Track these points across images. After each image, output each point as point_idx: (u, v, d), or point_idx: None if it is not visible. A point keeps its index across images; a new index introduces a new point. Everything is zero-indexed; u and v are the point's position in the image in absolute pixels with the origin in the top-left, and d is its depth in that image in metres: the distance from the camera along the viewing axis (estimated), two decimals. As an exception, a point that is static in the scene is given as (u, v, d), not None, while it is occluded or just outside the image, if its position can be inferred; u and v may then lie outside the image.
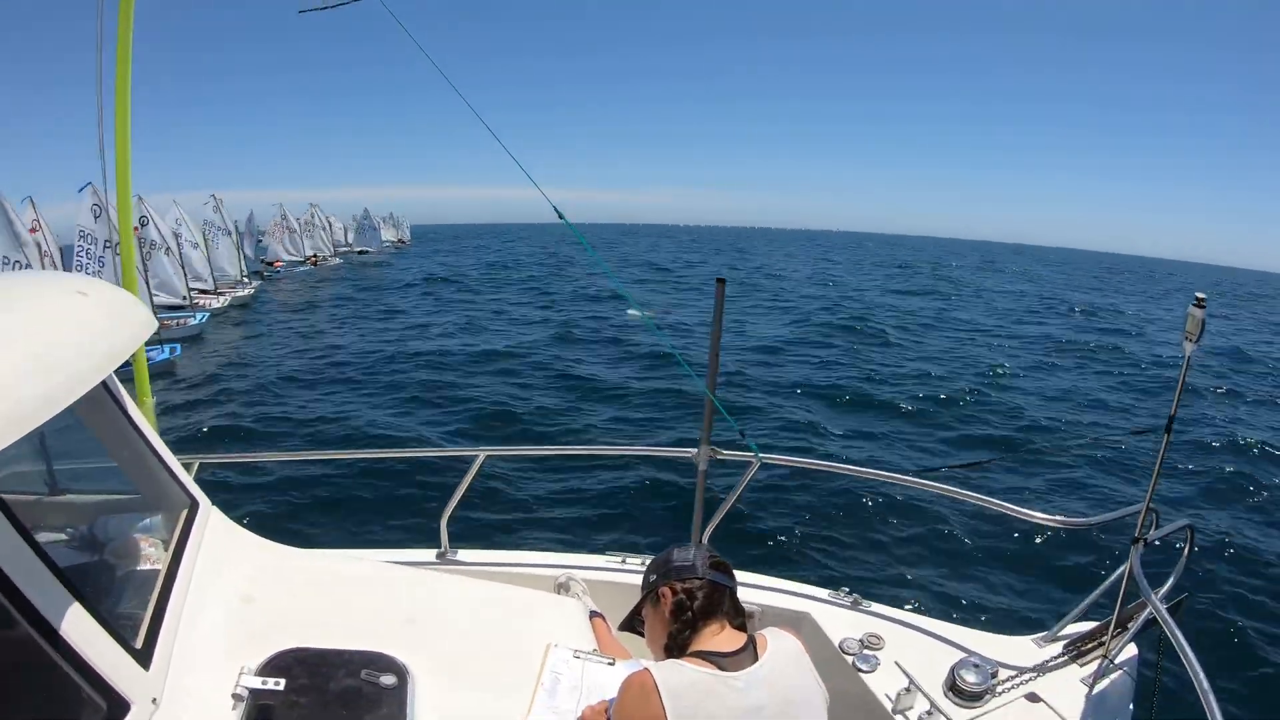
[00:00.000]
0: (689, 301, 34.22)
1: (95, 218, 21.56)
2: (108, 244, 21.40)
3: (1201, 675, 1.94)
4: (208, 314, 27.69)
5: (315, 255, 52.98)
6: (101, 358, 1.93)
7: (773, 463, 3.55)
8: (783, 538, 8.36)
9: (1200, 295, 2.23)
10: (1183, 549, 2.74)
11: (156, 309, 23.11)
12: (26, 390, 1.53)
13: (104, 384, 2.28)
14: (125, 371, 2.51)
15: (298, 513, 8.32)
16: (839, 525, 8.70)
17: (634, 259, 69.11)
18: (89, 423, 2.38)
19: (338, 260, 56.08)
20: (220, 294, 33.43)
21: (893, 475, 3.74)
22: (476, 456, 3.65)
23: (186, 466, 2.72)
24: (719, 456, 3.49)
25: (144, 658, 1.87)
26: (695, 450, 3.49)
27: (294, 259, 50.09)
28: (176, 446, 2.67)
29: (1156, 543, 2.64)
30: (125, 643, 1.81)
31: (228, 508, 2.77)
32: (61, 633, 1.60)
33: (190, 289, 29.96)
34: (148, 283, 23.41)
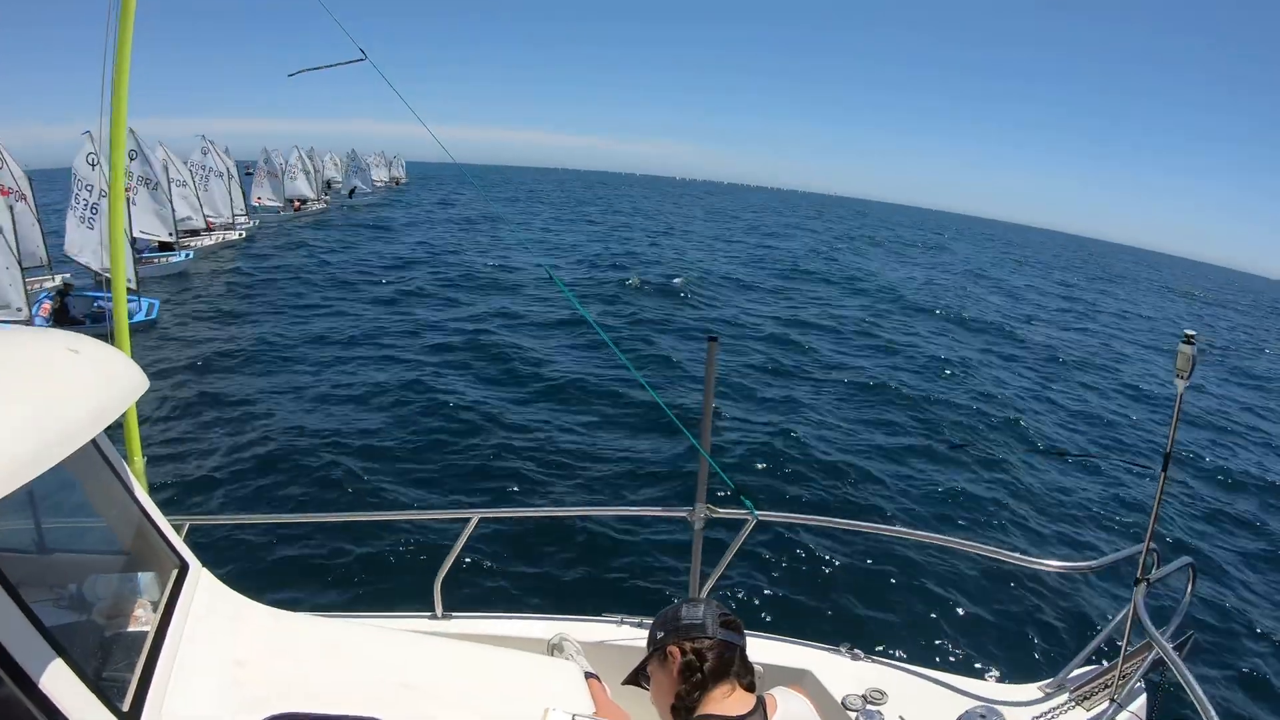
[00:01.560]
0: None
1: (92, 166, 21.44)
2: (104, 193, 21.27)
3: (1213, 713, 1.91)
4: (191, 254, 27.95)
5: (297, 200, 50.75)
6: (91, 416, 1.94)
7: (769, 520, 3.54)
8: (781, 593, 8.24)
9: (1190, 332, 2.26)
10: (1185, 587, 2.72)
11: (139, 246, 23.31)
12: (16, 447, 1.53)
13: (94, 442, 2.28)
14: (116, 431, 2.51)
15: (288, 575, 8.16)
16: (837, 579, 8.59)
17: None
18: (79, 481, 2.37)
19: (322, 205, 53.71)
20: (211, 232, 33.52)
21: (891, 529, 3.73)
22: (469, 519, 3.64)
23: (176, 527, 2.70)
24: (715, 515, 3.48)
25: None
26: (691, 509, 3.48)
27: (274, 205, 47.90)
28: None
29: (1159, 583, 2.64)
30: (112, 705, 1.77)
31: (216, 569, 2.74)
32: (47, 693, 1.57)
33: (178, 228, 29.95)
34: (131, 226, 23.33)
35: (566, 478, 11.68)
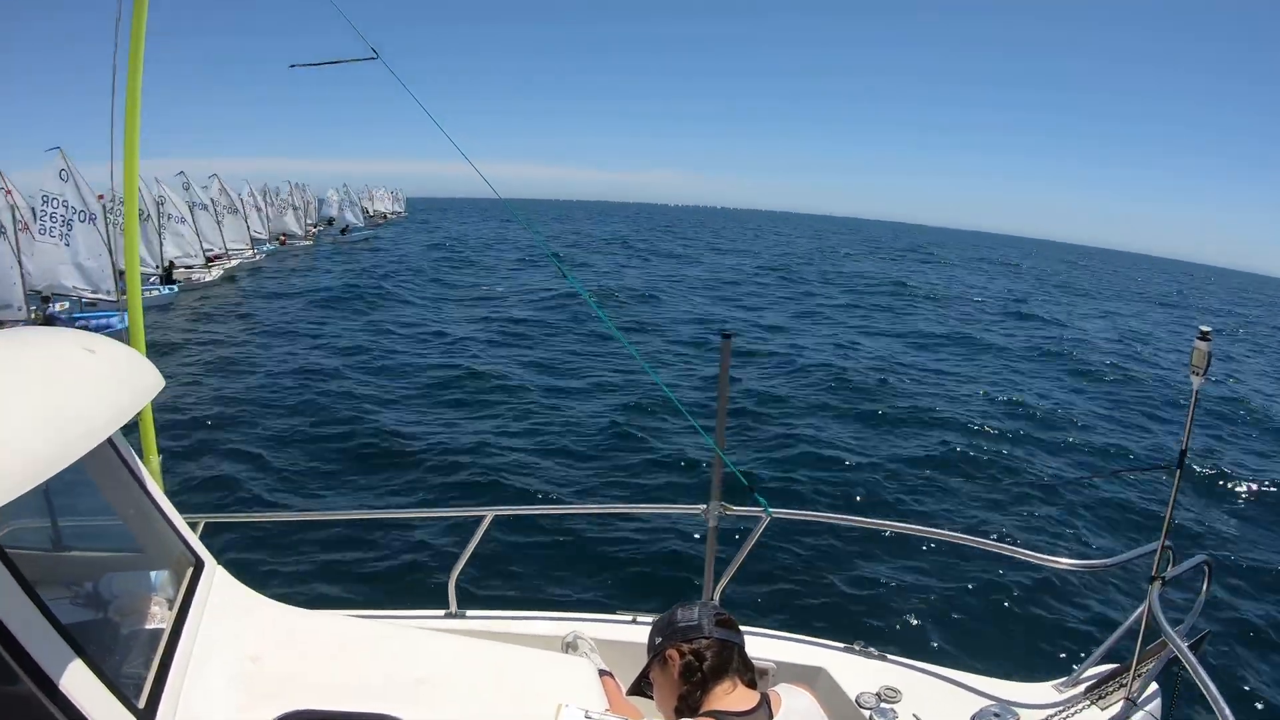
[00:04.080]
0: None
1: (64, 181, 21.73)
2: (76, 210, 21.87)
3: (1227, 712, 1.90)
4: (176, 288, 28.45)
5: (284, 235, 50.52)
6: (108, 416, 1.95)
7: (783, 517, 3.53)
8: (795, 591, 8.21)
9: (1205, 329, 2.24)
10: (1201, 585, 2.70)
11: (119, 273, 23.22)
12: (33, 446, 1.55)
13: (110, 441, 2.30)
14: (132, 430, 2.53)
15: (303, 572, 8.22)
16: (852, 577, 8.55)
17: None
18: (95, 479, 2.39)
19: (309, 240, 53.15)
20: (209, 267, 33.98)
21: (906, 526, 3.71)
22: (484, 516, 3.65)
23: (192, 525, 2.72)
24: (729, 512, 3.48)
25: (147, 717, 1.85)
26: (705, 506, 3.48)
27: (259, 238, 46.46)
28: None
29: (1175, 581, 2.61)
30: (128, 702, 1.79)
31: (232, 567, 2.76)
32: (64, 690, 1.59)
33: (168, 261, 30.86)
34: (111, 253, 23.24)
35: (581, 476, 11.72)
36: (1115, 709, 2.69)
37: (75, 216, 21.98)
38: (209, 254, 34.91)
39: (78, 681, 1.63)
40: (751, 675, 1.95)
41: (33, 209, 22.15)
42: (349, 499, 10.68)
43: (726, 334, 3.31)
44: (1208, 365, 2.25)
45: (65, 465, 1.62)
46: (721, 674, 1.89)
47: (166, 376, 2.39)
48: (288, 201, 52.91)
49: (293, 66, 4.20)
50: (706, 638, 1.93)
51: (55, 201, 21.75)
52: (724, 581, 3.55)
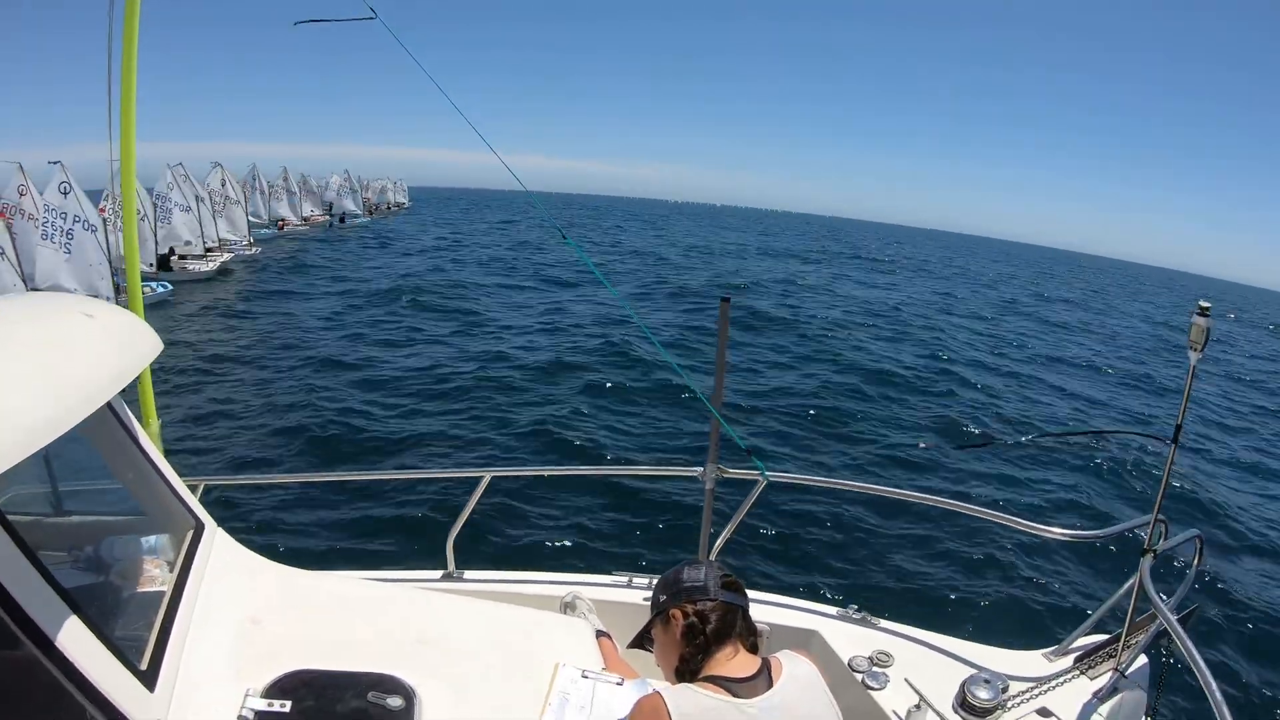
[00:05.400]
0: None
1: (64, 195, 22.61)
2: (78, 220, 22.81)
3: (1214, 686, 1.92)
4: (170, 285, 28.02)
5: (281, 220, 51.17)
6: (107, 379, 1.94)
7: (780, 480, 3.53)
8: (790, 555, 8.31)
9: (1204, 304, 2.21)
10: (1192, 559, 2.72)
11: (115, 270, 23.72)
12: (32, 411, 1.54)
13: (110, 405, 2.29)
14: (131, 394, 2.52)
15: (303, 534, 8.29)
16: (847, 542, 8.65)
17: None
18: (95, 444, 2.39)
19: (305, 226, 53.58)
20: (206, 258, 33.88)
21: (900, 492, 3.71)
22: (482, 477, 3.65)
23: (192, 488, 2.72)
24: (726, 475, 3.47)
25: (149, 679, 1.87)
26: (702, 469, 3.48)
27: (258, 223, 46.27)
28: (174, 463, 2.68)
29: (1166, 554, 2.63)
30: (130, 664, 1.80)
31: (232, 529, 2.77)
32: (66, 653, 1.60)
33: (167, 248, 31.46)
34: (110, 261, 23.92)
35: (582, 439, 11.77)
36: (1104, 680, 2.72)
37: (78, 226, 22.85)
38: (208, 246, 34.76)
39: (79, 644, 1.64)
40: (754, 640, 1.94)
41: (46, 207, 22.81)
42: (347, 461, 10.74)
43: (725, 297, 3.28)
44: (1206, 341, 2.23)
45: (65, 430, 1.62)
46: (724, 638, 1.88)
47: (166, 344, 2.38)
48: (282, 187, 52.75)
49: (296, 24, 4.16)
50: (712, 599, 1.91)
51: (56, 211, 22.60)
52: (720, 543, 3.55)
